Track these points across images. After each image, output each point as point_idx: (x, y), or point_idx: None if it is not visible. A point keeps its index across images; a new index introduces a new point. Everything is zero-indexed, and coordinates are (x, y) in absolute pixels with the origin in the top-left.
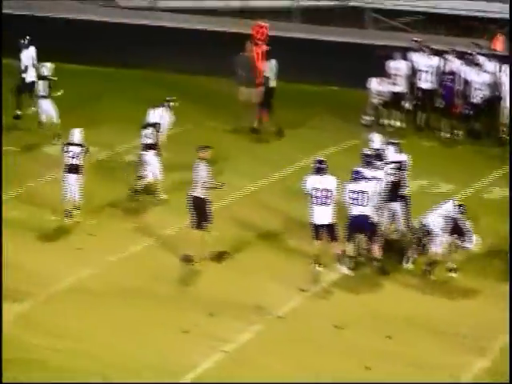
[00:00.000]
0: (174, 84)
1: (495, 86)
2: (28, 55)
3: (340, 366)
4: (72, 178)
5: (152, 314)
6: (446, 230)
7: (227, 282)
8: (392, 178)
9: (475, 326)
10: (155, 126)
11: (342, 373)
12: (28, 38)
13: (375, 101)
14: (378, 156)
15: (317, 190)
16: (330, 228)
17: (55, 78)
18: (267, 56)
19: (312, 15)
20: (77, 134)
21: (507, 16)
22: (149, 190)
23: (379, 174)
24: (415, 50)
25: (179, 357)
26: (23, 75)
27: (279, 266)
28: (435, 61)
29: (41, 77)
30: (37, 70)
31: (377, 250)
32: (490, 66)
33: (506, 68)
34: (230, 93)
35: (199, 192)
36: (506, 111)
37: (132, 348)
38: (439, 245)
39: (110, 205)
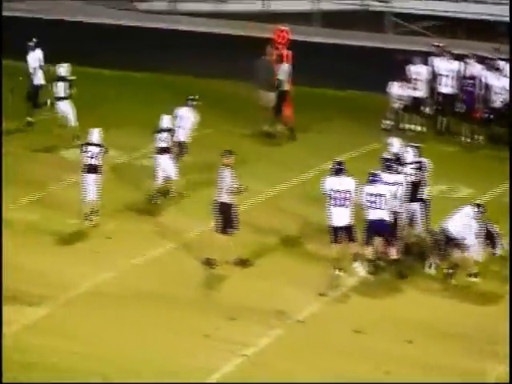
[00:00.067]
0: (191, 87)
1: None
2: (35, 57)
3: (359, 370)
4: (90, 178)
5: (172, 318)
6: (480, 235)
7: (247, 286)
8: (412, 179)
9: (495, 332)
10: (170, 131)
11: (360, 377)
12: (35, 40)
13: (396, 105)
14: (398, 160)
15: (335, 191)
16: (348, 229)
17: (74, 77)
18: (292, 60)
19: (332, 19)
20: (95, 134)
21: None
22: (165, 192)
23: (399, 178)
24: (436, 55)
25: (199, 360)
26: (32, 77)
27: (298, 270)
28: (455, 65)
29: (59, 78)
30: (44, 72)
31: (394, 253)
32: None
33: None
34: (248, 96)
35: (225, 198)
36: None
37: (144, 351)
38: (475, 251)
39: (128, 208)
